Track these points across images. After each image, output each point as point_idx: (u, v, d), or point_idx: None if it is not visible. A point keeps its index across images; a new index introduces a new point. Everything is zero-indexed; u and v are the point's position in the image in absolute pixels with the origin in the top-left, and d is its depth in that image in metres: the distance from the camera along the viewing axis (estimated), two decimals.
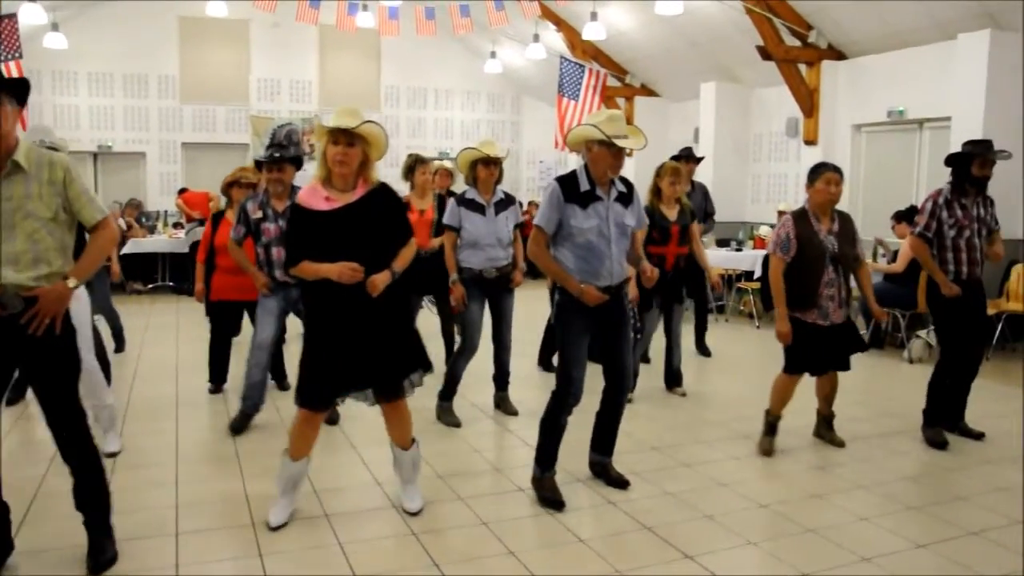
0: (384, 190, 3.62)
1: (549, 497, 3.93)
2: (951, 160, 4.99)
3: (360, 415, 5.45)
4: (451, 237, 5.21)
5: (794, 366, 4.74)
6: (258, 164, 5.10)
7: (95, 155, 14.88)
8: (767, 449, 4.76)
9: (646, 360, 6.91)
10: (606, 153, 3.80)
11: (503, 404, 5.59)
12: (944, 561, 3.40)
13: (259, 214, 4.92)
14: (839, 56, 10.22)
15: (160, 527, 3.60)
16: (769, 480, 4.36)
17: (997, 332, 7.54)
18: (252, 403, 5.04)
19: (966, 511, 3.95)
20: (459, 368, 5.33)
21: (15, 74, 10.51)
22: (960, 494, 4.18)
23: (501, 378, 5.57)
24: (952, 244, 4.92)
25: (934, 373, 5.08)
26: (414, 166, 6.29)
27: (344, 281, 3.43)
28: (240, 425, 5.02)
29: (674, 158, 7.18)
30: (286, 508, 3.70)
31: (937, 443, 4.92)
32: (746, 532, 3.67)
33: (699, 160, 7.74)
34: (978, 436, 5.08)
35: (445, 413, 5.32)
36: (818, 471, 4.50)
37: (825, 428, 5.01)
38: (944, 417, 5.07)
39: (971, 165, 4.87)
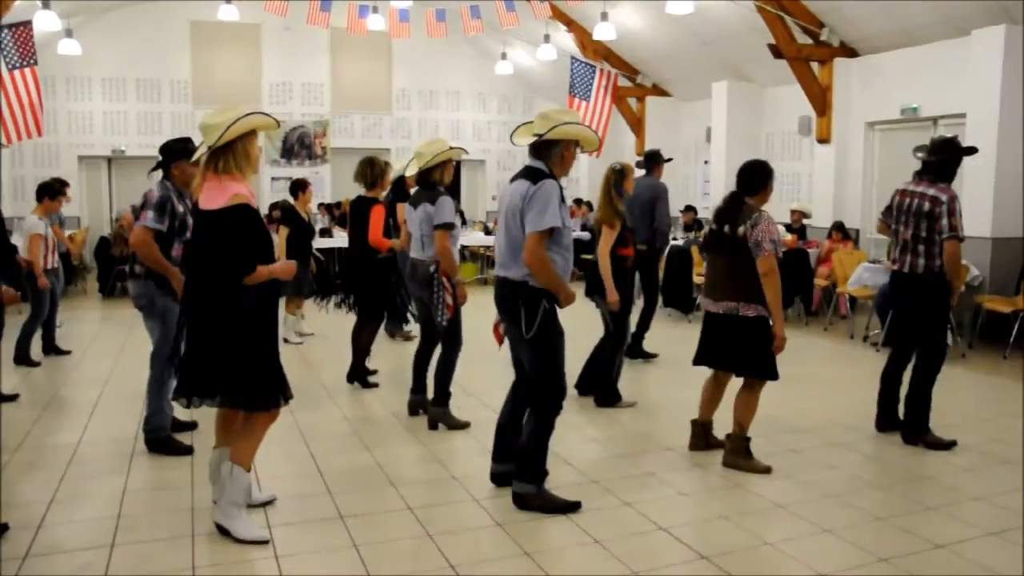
0: None
1: (562, 504, 3.84)
2: (952, 151, 4.78)
3: (374, 418, 5.46)
4: (448, 235, 4.99)
5: (776, 372, 4.43)
6: (170, 154, 4.89)
7: (109, 160, 15.03)
8: (761, 468, 4.42)
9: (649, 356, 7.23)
10: (574, 157, 3.81)
11: (443, 419, 5.18)
12: (963, 562, 3.36)
13: (181, 208, 4.61)
14: (851, 54, 10.17)
15: (176, 529, 3.62)
16: (784, 480, 4.33)
17: (1015, 331, 7.47)
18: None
19: (985, 511, 3.91)
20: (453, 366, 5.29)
21: (30, 80, 10.57)
22: (979, 494, 4.13)
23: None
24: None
25: (921, 381, 4.89)
26: (386, 168, 6.27)
27: (287, 277, 3.54)
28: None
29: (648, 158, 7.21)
30: (249, 518, 3.57)
31: (942, 445, 4.81)
32: (762, 532, 3.65)
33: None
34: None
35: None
36: (832, 471, 4.47)
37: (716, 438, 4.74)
38: (895, 418, 5.00)
39: (960, 159, 4.80)
